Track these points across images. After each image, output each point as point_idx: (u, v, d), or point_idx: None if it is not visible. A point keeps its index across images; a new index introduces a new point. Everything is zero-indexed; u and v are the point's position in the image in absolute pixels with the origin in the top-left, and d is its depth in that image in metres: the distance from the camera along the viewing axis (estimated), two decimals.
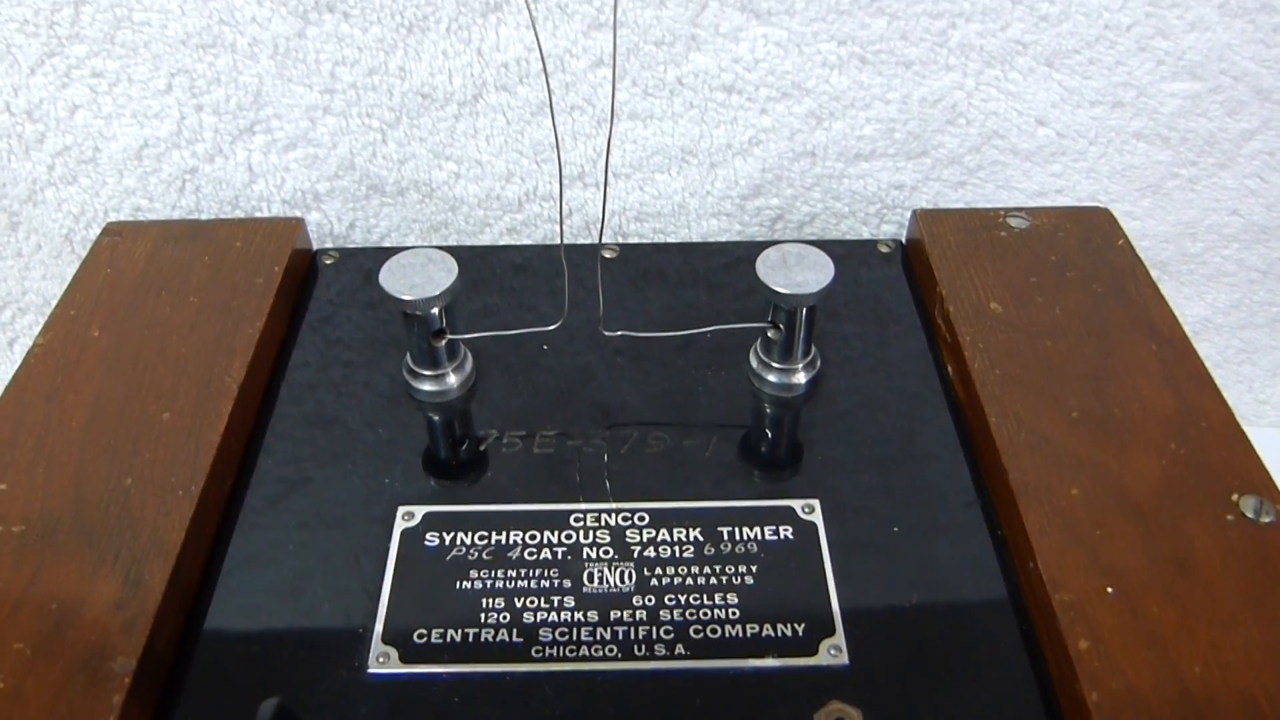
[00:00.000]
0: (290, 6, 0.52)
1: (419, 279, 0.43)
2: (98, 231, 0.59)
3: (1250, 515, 0.39)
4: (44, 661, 0.34)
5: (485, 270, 0.53)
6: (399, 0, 0.53)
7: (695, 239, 0.62)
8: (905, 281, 0.53)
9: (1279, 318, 0.68)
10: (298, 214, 0.59)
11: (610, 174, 0.57)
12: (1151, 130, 0.59)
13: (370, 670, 0.36)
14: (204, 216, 0.59)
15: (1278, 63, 0.56)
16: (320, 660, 0.36)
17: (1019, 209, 0.54)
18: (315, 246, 0.56)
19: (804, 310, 0.44)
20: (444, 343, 0.45)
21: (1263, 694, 0.34)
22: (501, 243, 0.61)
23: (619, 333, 0.46)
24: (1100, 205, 0.56)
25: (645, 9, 0.53)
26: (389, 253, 0.46)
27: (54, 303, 0.64)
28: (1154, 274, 0.64)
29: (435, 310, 0.43)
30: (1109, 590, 0.37)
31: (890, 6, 0.54)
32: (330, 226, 0.60)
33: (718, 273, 0.53)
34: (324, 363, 0.48)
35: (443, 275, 0.43)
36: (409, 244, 0.61)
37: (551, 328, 0.45)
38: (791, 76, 0.56)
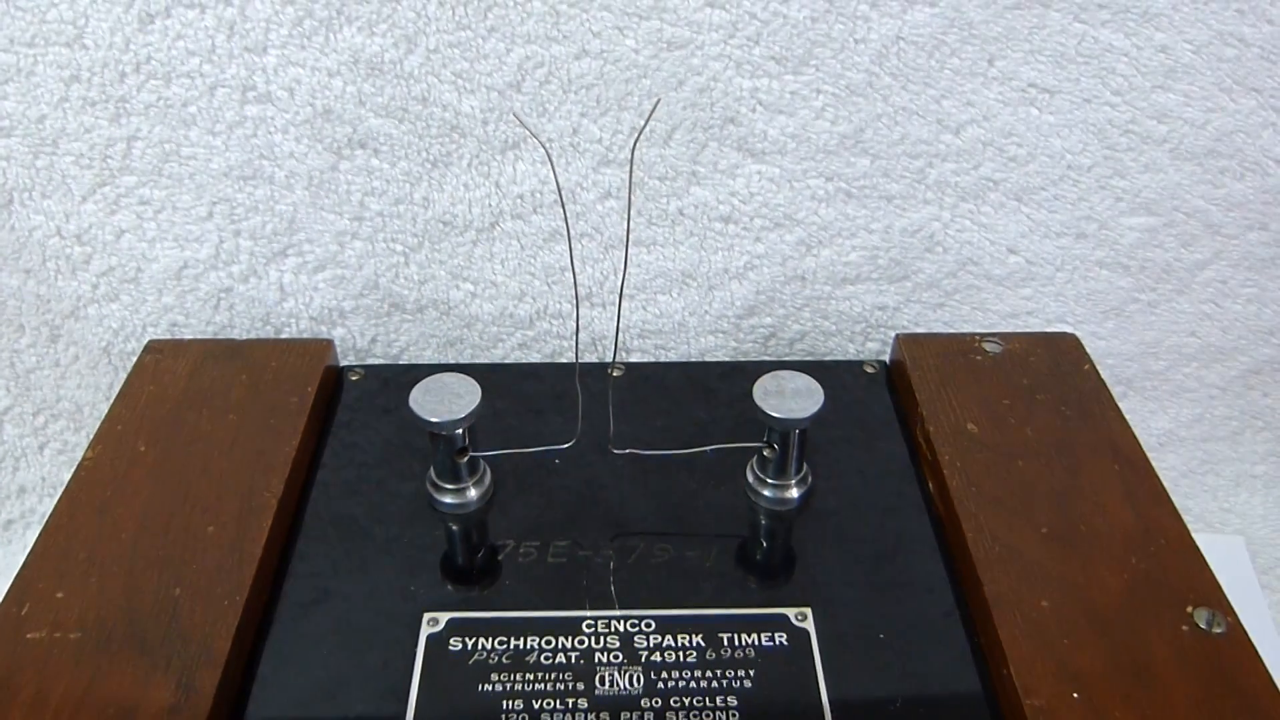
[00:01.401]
0: (325, 143, 0.57)
1: (445, 402, 0.47)
2: (135, 345, 0.64)
3: (1203, 626, 0.43)
4: None
5: (500, 386, 0.57)
6: (425, 139, 0.58)
7: (694, 354, 0.66)
8: (889, 400, 0.58)
9: (1239, 431, 0.73)
10: (324, 329, 0.63)
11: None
12: (1113, 259, 0.64)
13: None
14: (236, 331, 0.63)
15: (1225, 201, 0.61)
16: None
17: (993, 334, 0.59)
18: (341, 362, 0.61)
19: (796, 432, 0.48)
20: (466, 459, 0.49)
21: None
22: (513, 357, 0.66)
23: (628, 451, 0.50)
24: (1068, 329, 0.61)
25: (651, 148, 0.59)
26: (411, 369, 0.50)
27: (86, 410, 0.68)
28: (1120, 389, 0.69)
29: (460, 431, 0.47)
30: (1075, 695, 0.40)
31: (873, 148, 0.59)
32: (354, 341, 0.65)
33: (717, 390, 0.58)
34: (352, 475, 0.52)
35: (468, 399, 0.47)
36: (427, 357, 0.65)
37: (565, 446, 0.49)
38: (783, 209, 0.61)
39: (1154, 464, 0.51)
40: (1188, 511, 0.71)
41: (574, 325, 0.63)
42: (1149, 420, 0.71)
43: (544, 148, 0.57)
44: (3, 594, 0.44)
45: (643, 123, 0.55)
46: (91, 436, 0.52)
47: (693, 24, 0.55)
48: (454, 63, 0.56)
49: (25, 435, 0.68)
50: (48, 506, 0.70)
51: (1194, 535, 0.47)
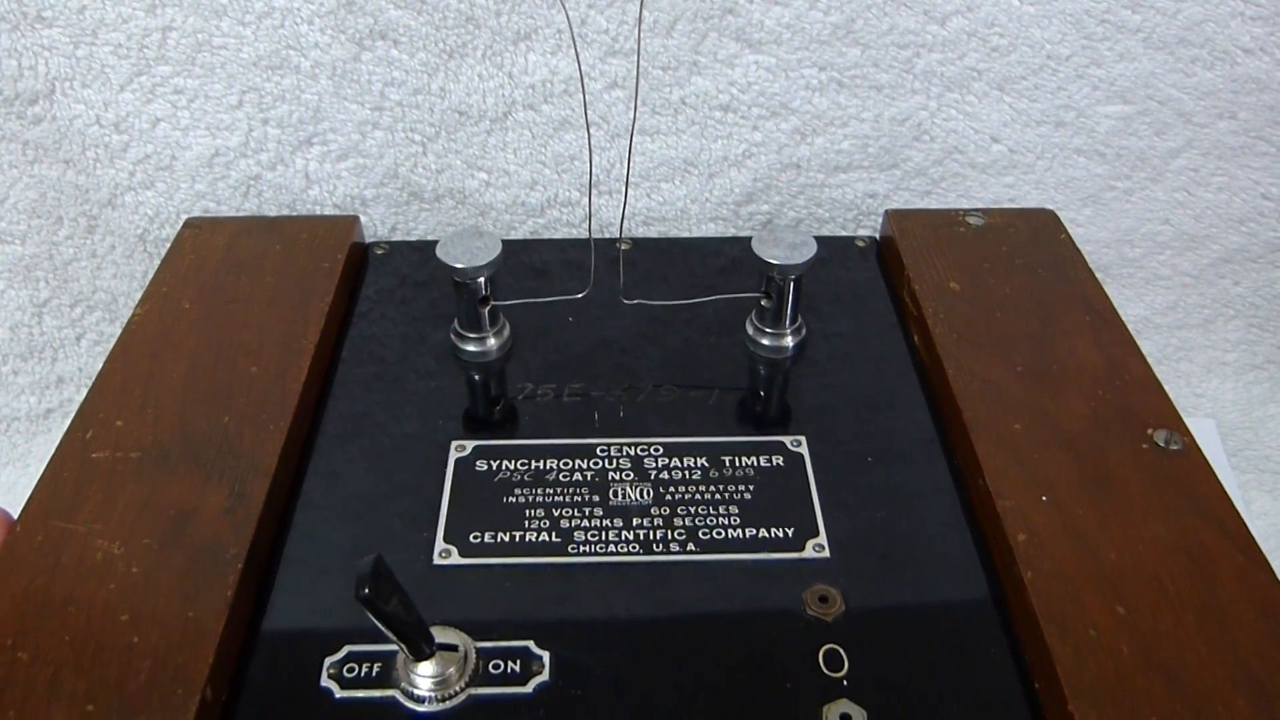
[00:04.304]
0: (349, 34, 0.61)
1: (469, 251, 0.51)
2: (169, 232, 0.68)
3: (1161, 444, 0.47)
4: (169, 553, 0.42)
5: (517, 256, 0.61)
6: (442, 30, 0.61)
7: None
8: (879, 270, 0.62)
9: (1211, 319, 0.77)
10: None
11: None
12: (1090, 147, 0.68)
13: (435, 562, 0.44)
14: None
15: (1196, 89, 0.65)
16: (392, 555, 0.44)
17: (977, 210, 0.63)
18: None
19: (791, 281, 0.52)
20: (488, 309, 0.53)
21: (1166, 575, 0.41)
22: (528, 238, 0.70)
23: (636, 301, 0.55)
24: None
25: (654, 39, 0.62)
26: (432, 245, 0.54)
27: (121, 300, 0.72)
28: (1098, 276, 0.73)
29: (482, 279, 0.51)
30: (1043, 498, 0.45)
31: (863, 38, 0.63)
32: (375, 228, 0.68)
33: (717, 263, 0.62)
34: (382, 331, 0.56)
35: (489, 249, 0.51)
36: None
37: (579, 295, 0.53)
38: (779, 98, 0.65)
39: None
40: None
41: (584, 211, 0.66)
42: (1125, 308, 0.75)
43: (565, 11, 0.60)
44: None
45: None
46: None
47: None
48: None
49: (63, 327, 0.72)
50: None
51: None
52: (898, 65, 0.64)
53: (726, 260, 0.62)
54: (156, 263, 0.68)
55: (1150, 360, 0.77)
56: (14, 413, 0.75)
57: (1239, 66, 0.65)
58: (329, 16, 0.60)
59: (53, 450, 0.47)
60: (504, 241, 0.52)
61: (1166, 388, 0.53)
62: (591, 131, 0.66)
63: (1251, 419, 0.78)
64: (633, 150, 0.66)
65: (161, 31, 0.61)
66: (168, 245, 0.63)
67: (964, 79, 0.65)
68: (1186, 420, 0.50)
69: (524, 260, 0.62)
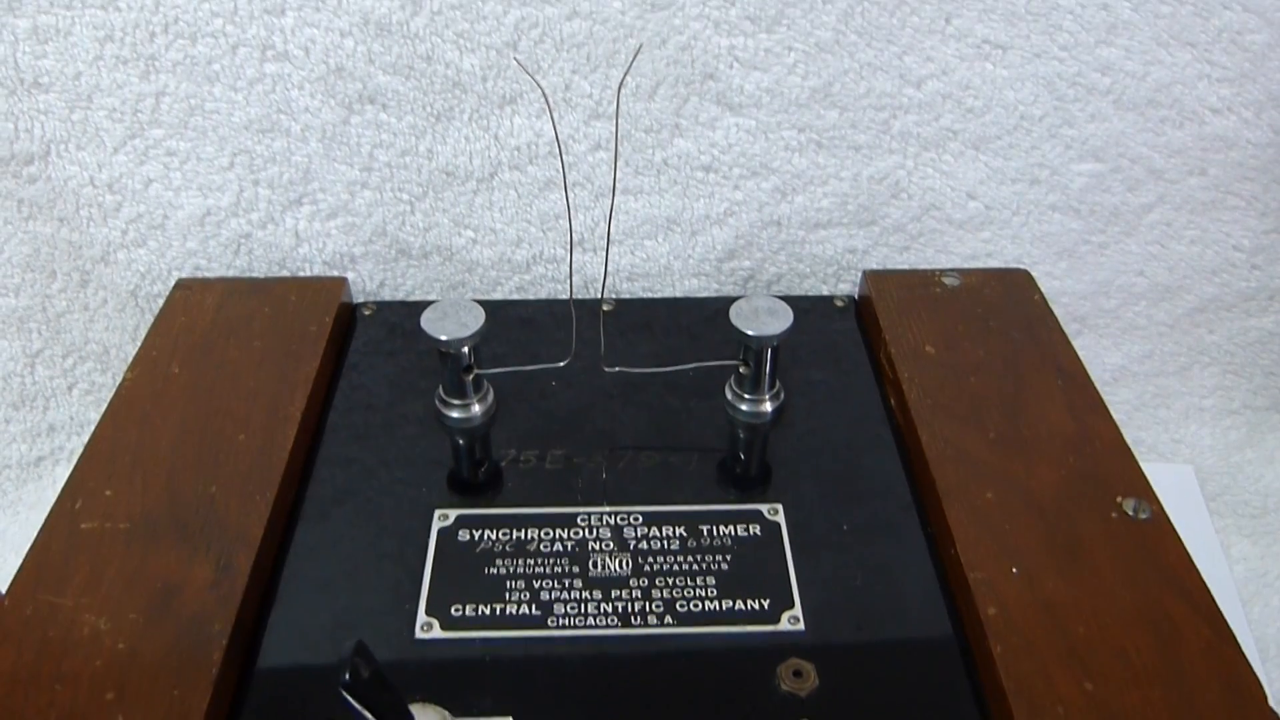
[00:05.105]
0: (338, 98, 0.62)
1: (453, 322, 0.52)
2: (161, 288, 0.69)
3: (1130, 513, 0.49)
4: (155, 628, 0.43)
5: (500, 319, 0.62)
6: (429, 94, 0.63)
7: (679, 295, 0.71)
8: (858, 330, 0.63)
9: (1188, 366, 0.78)
10: (335, 273, 0.68)
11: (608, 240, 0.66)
12: (1064, 203, 0.69)
13: (417, 636, 0.44)
14: (255, 275, 0.68)
15: (1166, 148, 0.67)
16: (375, 629, 0.45)
17: (952, 270, 0.64)
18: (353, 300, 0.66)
19: (769, 350, 0.53)
20: (471, 377, 0.54)
21: (1133, 648, 0.43)
22: (512, 299, 0.71)
23: (617, 368, 0.56)
24: (1023, 267, 0.66)
25: (637, 102, 0.64)
26: (419, 305, 0.55)
27: (113, 351, 0.73)
28: (1075, 327, 0.74)
29: (466, 349, 0.53)
30: (1014, 570, 0.46)
31: (841, 101, 0.64)
32: (363, 284, 0.70)
33: (698, 323, 0.63)
34: (367, 396, 0.57)
35: (473, 320, 0.52)
36: (433, 299, 0.70)
37: (561, 364, 0.54)
38: (760, 158, 0.66)
39: (1107, 398, 0.56)
40: (1140, 443, 0.77)
41: (568, 268, 0.68)
42: (1102, 356, 0.77)
43: (540, 89, 0.62)
44: (35, 530, 0.49)
45: (627, 65, 0.60)
46: (118, 378, 0.57)
47: None
48: (456, 23, 0.61)
49: (55, 376, 0.73)
50: (76, 444, 0.75)
51: (1145, 465, 0.52)
52: (875, 126, 0.66)
53: (708, 321, 0.63)
54: (148, 317, 0.70)
55: (1128, 407, 0.79)
56: (5, 460, 0.75)
57: (1207, 125, 0.66)
58: (319, 82, 0.62)
59: (42, 497, 0.48)
60: (488, 302, 0.53)
61: (1144, 434, 0.54)
62: (576, 191, 0.67)
63: (1229, 464, 0.79)
64: (617, 209, 0.67)
65: (155, 96, 0.62)
66: (159, 300, 0.65)
67: (940, 139, 0.66)
68: (1165, 466, 0.51)
69: (509, 321, 0.63)
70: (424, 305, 0.54)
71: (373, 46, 0.61)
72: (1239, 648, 0.43)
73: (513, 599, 0.46)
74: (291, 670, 0.43)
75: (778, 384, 0.56)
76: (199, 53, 0.60)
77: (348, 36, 0.60)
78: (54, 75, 0.60)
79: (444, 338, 0.51)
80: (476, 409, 0.55)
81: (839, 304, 0.65)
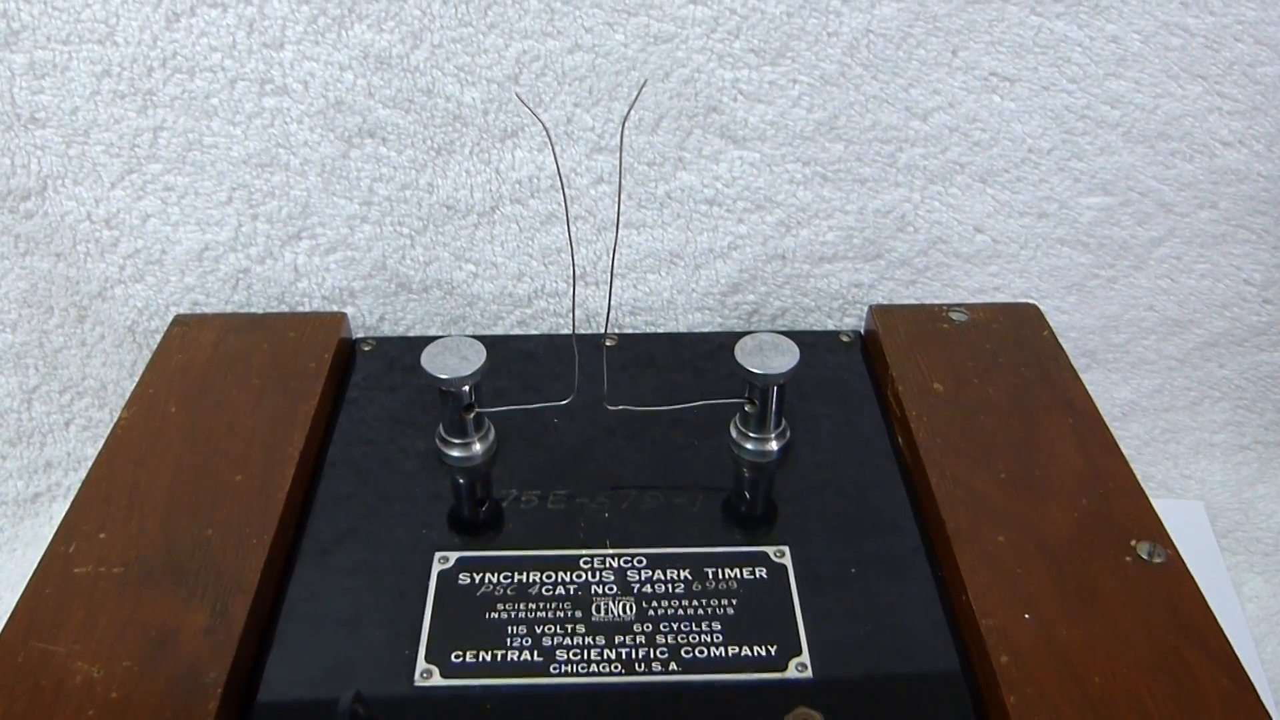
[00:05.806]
0: (337, 133, 0.62)
1: (454, 361, 0.51)
2: (158, 324, 0.68)
3: (1145, 557, 0.48)
4: (149, 676, 0.42)
5: (502, 355, 0.62)
6: (429, 128, 0.62)
7: (682, 330, 0.70)
8: (864, 366, 0.62)
9: (1198, 401, 0.77)
10: (335, 308, 0.68)
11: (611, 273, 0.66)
12: (1073, 237, 0.68)
13: (417, 683, 0.43)
14: (254, 310, 0.68)
15: (1176, 181, 0.66)
16: (374, 676, 0.44)
17: (960, 305, 0.63)
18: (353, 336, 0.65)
19: (775, 388, 0.52)
20: (472, 416, 0.53)
21: (1149, 698, 0.41)
22: (513, 333, 0.70)
23: (620, 407, 0.55)
24: (1031, 301, 0.66)
25: (640, 135, 0.63)
26: (418, 341, 0.54)
27: (110, 387, 0.72)
28: (1084, 362, 0.73)
29: (466, 388, 0.52)
30: (1026, 616, 0.45)
31: (846, 134, 0.64)
32: (363, 319, 0.69)
33: (702, 359, 0.62)
34: (367, 433, 0.56)
35: (474, 358, 0.51)
36: (433, 334, 0.70)
37: (564, 402, 0.53)
38: (764, 191, 0.65)
39: (1117, 433, 0.55)
40: (1150, 478, 0.76)
41: (570, 302, 0.67)
42: (1112, 391, 0.76)
43: (542, 124, 0.61)
44: (31, 566, 0.48)
45: (632, 100, 0.60)
46: (115, 413, 0.56)
47: (677, 19, 0.59)
48: (456, 57, 0.60)
49: (52, 412, 0.72)
50: (73, 480, 0.74)
51: (1155, 501, 0.51)
52: (881, 159, 0.65)
53: (711, 355, 0.62)
54: (146, 353, 0.69)
55: (1138, 443, 0.78)
56: (2, 497, 0.74)
57: (1218, 159, 0.66)
58: (318, 116, 0.61)
59: (39, 534, 0.47)
60: (489, 336, 0.52)
61: (1154, 470, 0.53)
62: (578, 225, 0.66)
63: (1241, 500, 0.78)
64: (620, 243, 0.67)
65: (153, 131, 0.61)
66: (157, 336, 0.64)
67: (947, 172, 0.66)
68: (1175, 502, 0.50)
69: (510, 355, 0.62)
70: (425, 340, 0.53)
71: (373, 80, 0.60)
72: (1258, 697, 0.42)
73: (514, 645, 0.45)
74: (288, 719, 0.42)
75: (784, 422, 0.55)
76: (197, 87, 0.60)
77: (347, 70, 0.60)
78: (51, 110, 0.60)
79: (445, 376, 0.51)
80: (478, 448, 0.54)
81: (844, 339, 0.64)
